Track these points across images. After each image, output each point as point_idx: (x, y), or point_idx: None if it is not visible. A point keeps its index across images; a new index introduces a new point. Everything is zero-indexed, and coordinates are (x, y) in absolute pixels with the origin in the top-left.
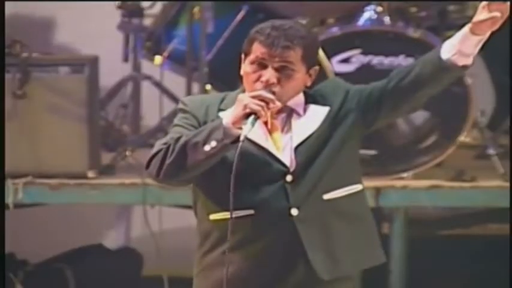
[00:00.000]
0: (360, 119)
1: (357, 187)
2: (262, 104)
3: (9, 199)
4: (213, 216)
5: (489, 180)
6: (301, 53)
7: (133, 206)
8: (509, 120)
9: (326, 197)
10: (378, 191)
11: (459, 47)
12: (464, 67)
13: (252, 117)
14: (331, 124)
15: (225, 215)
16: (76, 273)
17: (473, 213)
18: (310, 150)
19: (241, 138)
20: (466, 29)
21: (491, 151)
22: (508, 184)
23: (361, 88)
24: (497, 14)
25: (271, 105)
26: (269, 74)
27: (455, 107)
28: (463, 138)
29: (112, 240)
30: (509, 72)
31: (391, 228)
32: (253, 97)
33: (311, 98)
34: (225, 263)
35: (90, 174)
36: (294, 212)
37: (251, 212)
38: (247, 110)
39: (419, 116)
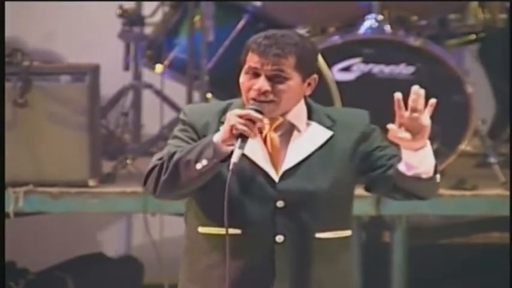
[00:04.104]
0: (356, 169)
1: (347, 233)
2: (249, 124)
3: (9, 208)
4: (202, 229)
5: (490, 189)
6: (294, 61)
7: (134, 214)
8: (509, 128)
9: (317, 235)
10: (378, 199)
11: (404, 158)
12: (419, 178)
13: (239, 142)
14: (332, 158)
15: (213, 230)
16: (77, 282)
17: (474, 222)
18: (303, 178)
19: (231, 166)
20: None
21: (492, 160)
22: (508, 193)
23: (374, 139)
24: (405, 135)
25: (259, 124)
26: (261, 83)
27: (456, 115)
28: (463, 146)
29: (113, 248)
30: (509, 81)
31: (392, 236)
32: (240, 116)
33: (317, 115)
34: (210, 279)
35: (91, 182)
36: (279, 239)
37: (238, 231)
38: (234, 131)
39: None
